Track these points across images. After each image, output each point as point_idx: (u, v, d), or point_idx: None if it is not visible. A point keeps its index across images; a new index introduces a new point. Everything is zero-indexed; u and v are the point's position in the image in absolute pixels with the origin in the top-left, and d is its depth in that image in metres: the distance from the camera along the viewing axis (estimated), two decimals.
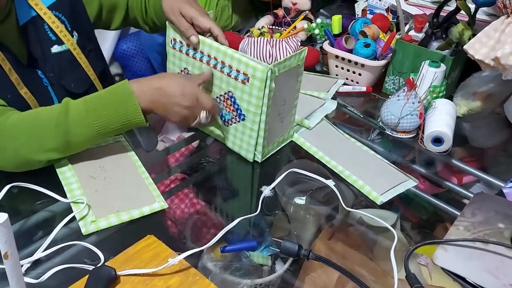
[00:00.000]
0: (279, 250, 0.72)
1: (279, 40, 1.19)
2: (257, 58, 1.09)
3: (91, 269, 0.66)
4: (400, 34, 1.21)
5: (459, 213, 0.83)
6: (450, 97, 1.16)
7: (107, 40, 1.86)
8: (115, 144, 0.93)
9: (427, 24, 1.19)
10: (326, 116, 1.09)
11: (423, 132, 1.01)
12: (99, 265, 0.68)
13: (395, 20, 1.34)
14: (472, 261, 0.73)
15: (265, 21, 1.46)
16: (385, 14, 1.34)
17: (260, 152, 0.92)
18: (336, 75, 1.27)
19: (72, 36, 0.96)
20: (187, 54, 0.92)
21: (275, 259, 0.75)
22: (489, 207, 0.82)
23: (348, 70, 1.24)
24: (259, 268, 0.74)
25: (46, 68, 0.94)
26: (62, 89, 0.96)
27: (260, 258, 0.75)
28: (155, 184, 0.85)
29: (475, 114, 1.12)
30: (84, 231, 0.74)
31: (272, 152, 0.97)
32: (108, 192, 0.82)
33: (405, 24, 1.26)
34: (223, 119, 0.93)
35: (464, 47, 1.01)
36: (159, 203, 0.80)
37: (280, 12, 1.46)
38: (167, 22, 0.94)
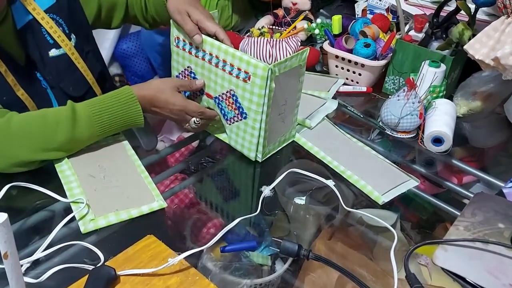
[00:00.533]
0: (279, 250, 0.72)
1: (279, 40, 1.19)
2: (257, 58, 1.09)
3: (91, 269, 0.66)
4: (400, 34, 1.21)
5: (459, 213, 0.83)
6: (450, 97, 1.16)
7: (107, 40, 1.86)
8: (115, 144, 0.93)
9: (427, 24, 1.19)
10: (327, 116, 1.09)
11: (423, 132, 1.01)
12: (99, 265, 0.68)
13: (395, 20, 1.34)
14: (472, 261, 0.73)
15: (265, 21, 1.46)
16: (385, 14, 1.34)
17: (261, 152, 0.92)
18: (336, 75, 1.27)
19: (70, 39, 0.96)
20: (190, 52, 0.93)
21: (275, 259, 0.75)
22: (489, 207, 0.82)
23: (348, 70, 1.24)
24: (259, 268, 0.74)
25: (44, 71, 0.94)
26: (61, 92, 0.96)
27: (260, 258, 0.75)
28: (155, 184, 0.85)
29: (475, 114, 1.12)
30: (83, 229, 0.74)
31: (273, 152, 0.97)
32: (107, 191, 0.82)
33: (405, 24, 1.26)
34: (226, 117, 0.93)
35: (464, 47, 1.01)
36: (158, 202, 0.80)
37: (280, 12, 1.46)
38: (171, 21, 0.94)
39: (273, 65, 0.80)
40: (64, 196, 0.80)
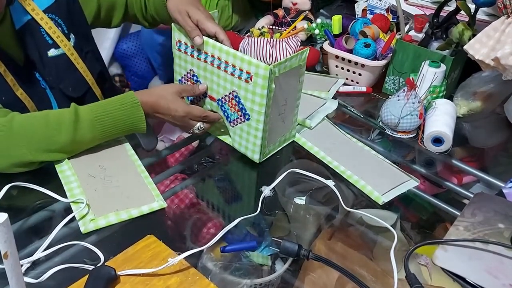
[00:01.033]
0: (279, 250, 0.72)
1: (279, 40, 1.19)
2: (257, 58, 1.09)
3: (91, 269, 0.66)
4: (400, 34, 1.21)
5: (459, 213, 0.83)
6: (450, 97, 1.16)
7: (107, 40, 1.86)
8: (115, 144, 0.93)
9: (427, 24, 1.19)
10: (327, 116, 1.09)
11: (423, 132, 1.01)
12: (99, 265, 0.68)
13: (395, 20, 1.34)
14: (472, 261, 0.73)
15: (265, 21, 1.46)
16: (385, 14, 1.34)
17: (261, 152, 0.91)
18: (336, 75, 1.27)
19: (69, 39, 0.96)
20: (192, 55, 0.92)
21: (275, 259, 0.75)
22: (489, 207, 0.82)
23: (348, 70, 1.24)
24: (259, 268, 0.74)
25: (44, 71, 0.94)
26: (60, 93, 0.96)
27: (260, 258, 0.75)
28: (155, 184, 0.85)
29: (475, 114, 1.12)
30: (83, 229, 0.74)
31: (273, 152, 0.97)
32: (107, 191, 0.82)
33: (405, 24, 1.26)
34: (229, 119, 0.93)
35: (464, 47, 1.01)
36: (158, 202, 0.80)
37: (280, 12, 1.46)
38: (172, 24, 0.94)
39: (273, 65, 0.80)
40: (64, 196, 0.80)
